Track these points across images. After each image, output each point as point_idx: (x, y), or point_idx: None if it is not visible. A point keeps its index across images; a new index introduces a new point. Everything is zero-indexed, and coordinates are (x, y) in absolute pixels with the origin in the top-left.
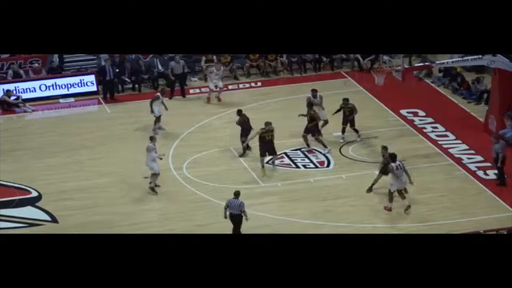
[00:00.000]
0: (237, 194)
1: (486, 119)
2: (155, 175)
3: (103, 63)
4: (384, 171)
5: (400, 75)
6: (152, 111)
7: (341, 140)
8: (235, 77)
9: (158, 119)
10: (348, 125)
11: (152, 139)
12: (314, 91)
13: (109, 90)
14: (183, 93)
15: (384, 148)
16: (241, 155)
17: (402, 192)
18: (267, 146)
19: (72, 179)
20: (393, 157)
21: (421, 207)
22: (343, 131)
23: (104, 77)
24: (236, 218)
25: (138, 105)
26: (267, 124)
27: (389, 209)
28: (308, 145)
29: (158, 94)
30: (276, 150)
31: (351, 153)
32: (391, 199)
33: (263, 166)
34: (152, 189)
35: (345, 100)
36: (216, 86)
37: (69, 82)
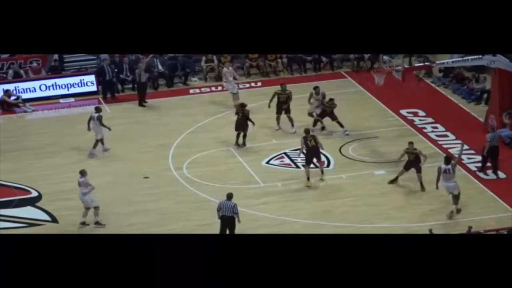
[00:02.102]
0: (230, 196)
1: (486, 119)
2: (95, 208)
3: (102, 63)
4: (407, 166)
5: (400, 75)
6: (101, 133)
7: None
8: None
9: (102, 140)
10: (330, 120)
11: (82, 173)
12: (316, 88)
13: (109, 90)
14: (143, 100)
15: (411, 143)
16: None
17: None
18: (313, 152)
19: (72, 179)
20: (446, 160)
21: (421, 207)
22: (315, 123)
23: (104, 77)
24: (229, 220)
25: (138, 105)
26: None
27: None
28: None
29: (100, 114)
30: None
31: (351, 153)
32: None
33: (308, 178)
34: (98, 223)
35: (331, 100)
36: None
37: (69, 82)
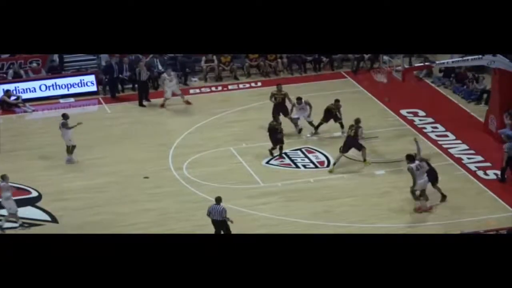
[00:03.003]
0: (218, 200)
1: (486, 119)
2: (14, 214)
3: (103, 62)
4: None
5: (400, 75)
6: (69, 140)
7: (308, 135)
8: (235, 77)
9: (73, 147)
10: (332, 120)
11: (3, 177)
12: (298, 99)
13: (112, 89)
14: (147, 98)
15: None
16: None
17: (425, 193)
18: (350, 142)
19: (72, 179)
20: (410, 158)
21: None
22: (318, 126)
23: (112, 75)
24: (220, 224)
25: (138, 105)
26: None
27: (419, 209)
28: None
29: (65, 120)
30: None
31: (351, 153)
32: (417, 198)
33: (334, 163)
34: (21, 224)
35: (337, 101)
36: (173, 93)
37: (69, 82)
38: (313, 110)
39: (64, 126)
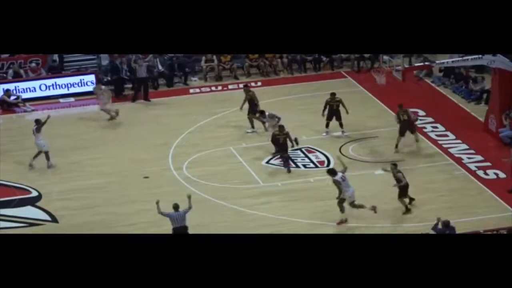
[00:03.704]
0: (176, 207)
1: (486, 119)
2: None
3: (103, 62)
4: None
5: (400, 75)
6: (42, 146)
7: (324, 134)
8: (235, 77)
9: (40, 153)
10: (334, 118)
11: None
12: (261, 113)
13: (118, 88)
14: (146, 97)
15: (394, 165)
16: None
17: (355, 204)
18: (405, 126)
19: (72, 179)
20: (332, 172)
21: (421, 207)
22: (327, 125)
23: (119, 75)
24: (181, 230)
25: (138, 105)
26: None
27: (341, 222)
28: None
29: (37, 125)
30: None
31: (351, 153)
32: (360, 206)
33: (397, 146)
34: None
35: (333, 94)
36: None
37: (69, 82)
38: (313, 109)
39: (38, 130)
